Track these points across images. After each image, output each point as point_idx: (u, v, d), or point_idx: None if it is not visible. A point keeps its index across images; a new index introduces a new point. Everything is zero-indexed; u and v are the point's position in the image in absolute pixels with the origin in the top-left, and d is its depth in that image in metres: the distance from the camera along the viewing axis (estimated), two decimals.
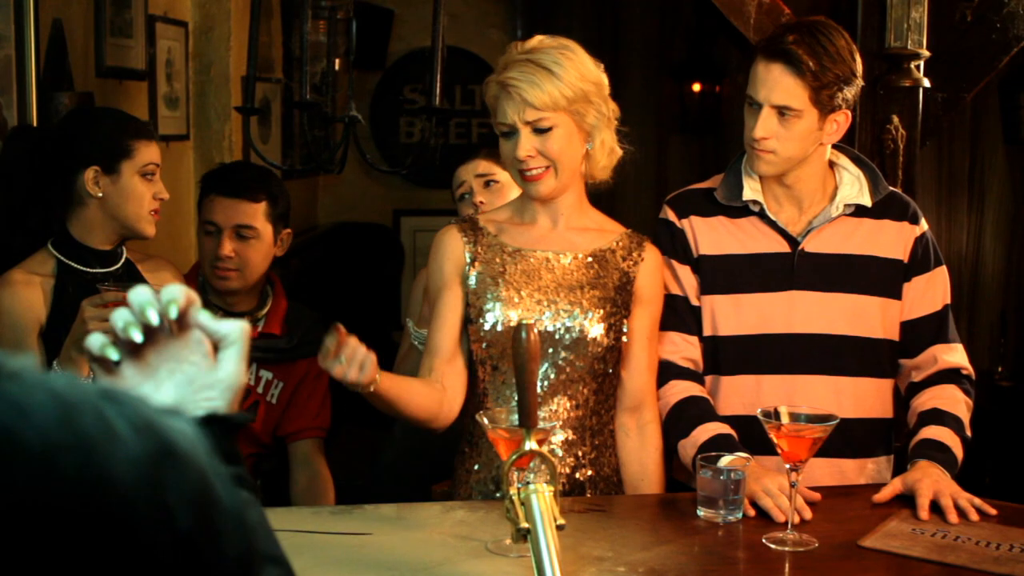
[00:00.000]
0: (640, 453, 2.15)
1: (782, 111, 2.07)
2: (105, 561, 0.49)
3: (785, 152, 2.11)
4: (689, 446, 2.08)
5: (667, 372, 2.18)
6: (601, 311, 2.05)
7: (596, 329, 2.04)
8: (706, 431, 2.07)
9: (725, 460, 1.94)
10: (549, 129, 2.01)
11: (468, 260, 2.09)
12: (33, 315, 2.19)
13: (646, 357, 2.14)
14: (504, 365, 2.05)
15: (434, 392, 2.05)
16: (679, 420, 2.13)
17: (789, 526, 1.84)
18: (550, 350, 2.03)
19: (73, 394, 0.52)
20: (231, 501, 0.55)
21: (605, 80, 2.07)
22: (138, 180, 2.25)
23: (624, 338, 2.09)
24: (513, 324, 2.00)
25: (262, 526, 0.77)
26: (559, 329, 2.03)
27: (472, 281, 2.07)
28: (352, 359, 1.82)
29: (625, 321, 2.09)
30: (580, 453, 2.08)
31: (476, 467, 2.11)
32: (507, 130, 2.04)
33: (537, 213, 2.12)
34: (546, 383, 2.04)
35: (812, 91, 2.06)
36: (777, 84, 2.06)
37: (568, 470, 2.07)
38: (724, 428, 2.08)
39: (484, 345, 2.06)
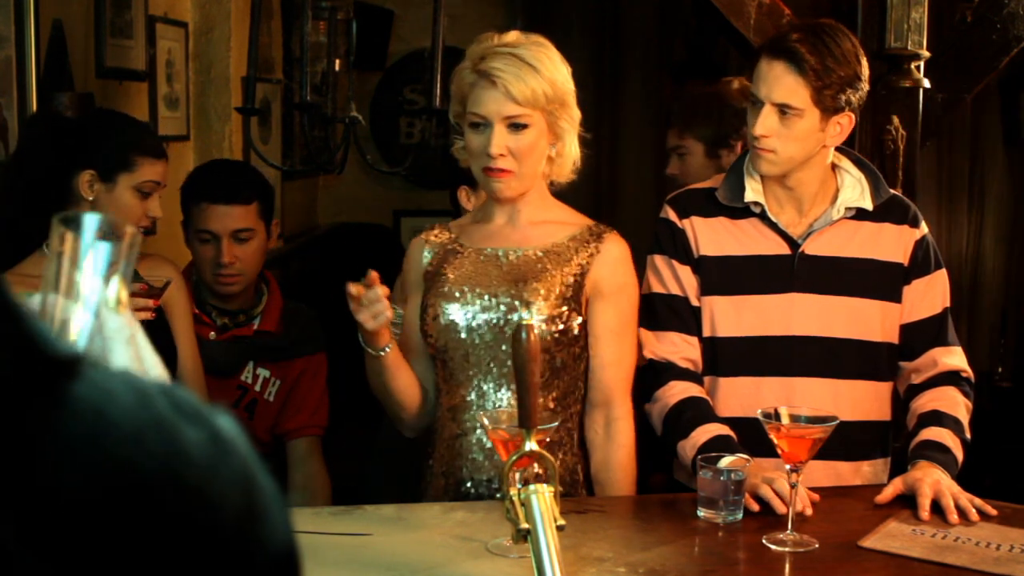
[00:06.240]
0: (606, 449, 2.10)
1: (783, 109, 2.07)
2: (182, 536, 0.53)
3: (786, 152, 2.10)
4: (688, 447, 2.08)
5: (667, 373, 2.18)
6: (544, 304, 2.02)
7: (538, 321, 2.02)
8: (705, 432, 2.07)
9: (725, 461, 1.94)
10: (524, 127, 1.99)
11: (425, 264, 2.12)
12: None
13: (614, 352, 2.09)
14: (448, 358, 2.06)
15: (417, 380, 2.11)
16: (678, 421, 2.12)
17: (789, 527, 1.84)
18: (492, 343, 2.03)
19: (140, 382, 0.57)
20: (272, 489, 0.58)
21: (573, 85, 2.06)
22: (131, 195, 2.20)
23: (576, 331, 2.05)
24: (452, 319, 2.03)
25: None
26: (500, 321, 2.02)
27: (427, 282, 2.10)
28: (372, 305, 1.90)
29: (575, 315, 2.04)
30: None
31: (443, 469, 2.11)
32: (480, 122, 2.00)
33: (495, 211, 2.11)
34: (489, 376, 2.04)
35: (814, 91, 2.05)
36: (778, 81, 2.06)
37: None
38: (724, 429, 2.08)
39: (431, 340, 2.07)
